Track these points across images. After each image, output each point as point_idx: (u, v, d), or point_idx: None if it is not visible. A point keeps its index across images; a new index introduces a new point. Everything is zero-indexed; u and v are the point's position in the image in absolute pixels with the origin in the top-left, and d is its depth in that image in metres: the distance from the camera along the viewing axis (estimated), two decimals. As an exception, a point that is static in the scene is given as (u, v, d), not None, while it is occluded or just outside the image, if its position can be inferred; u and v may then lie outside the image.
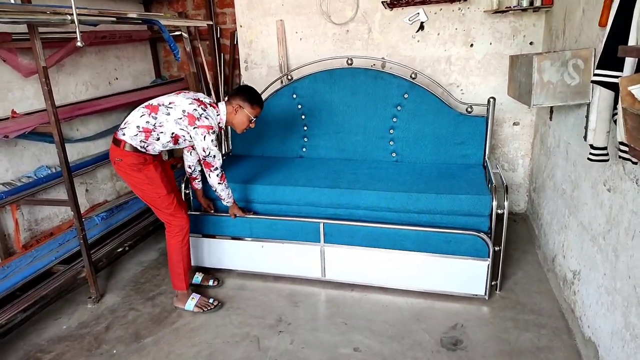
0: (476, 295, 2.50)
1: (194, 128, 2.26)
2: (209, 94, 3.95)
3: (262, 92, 3.38)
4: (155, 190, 2.35)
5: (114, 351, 2.24)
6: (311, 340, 2.27)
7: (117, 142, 2.28)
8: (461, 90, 3.45)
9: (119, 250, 2.93)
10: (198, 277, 2.79)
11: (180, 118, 2.27)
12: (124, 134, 2.26)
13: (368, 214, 2.65)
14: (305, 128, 3.31)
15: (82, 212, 3.15)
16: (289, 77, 3.34)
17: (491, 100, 2.92)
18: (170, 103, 2.30)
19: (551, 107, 2.83)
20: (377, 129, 3.18)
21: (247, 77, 3.85)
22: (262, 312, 2.50)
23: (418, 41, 3.42)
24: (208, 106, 2.34)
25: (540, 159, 3.15)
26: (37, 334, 2.38)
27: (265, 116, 3.35)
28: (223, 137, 3.43)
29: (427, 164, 3.08)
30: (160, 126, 2.27)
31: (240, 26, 3.74)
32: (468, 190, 2.54)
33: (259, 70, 3.80)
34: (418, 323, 2.37)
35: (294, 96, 3.28)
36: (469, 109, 3.04)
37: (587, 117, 2.15)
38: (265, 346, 2.24)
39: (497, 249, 2.55)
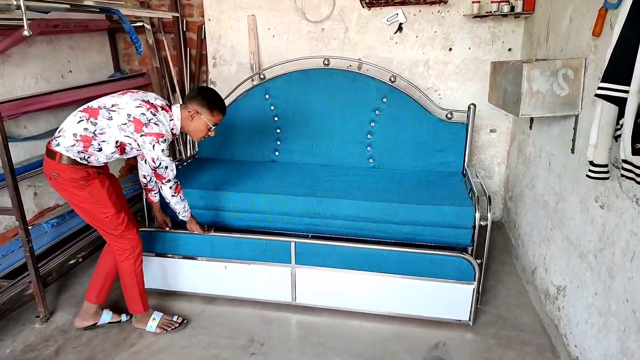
0: (460, 320, 2.33)
1: (141, 135, 1.94)
2: (173, 92, 3.70)
3: (232, 92, 3.20)
4: (102, 210, 2.03)
5: (63, 380, 2.00)
6: (286, 363, 2.10)
7: (51, 153, 1.93)
8: (439, 95, 3.36)
9: (71, 262, 2.66)
10: (107, 314, 2.32)
11: (125, 124, 1.93)
12: (58, 144, 1.91)
13: (346, 224, 2.51)
14: (278, 131, 3.13)
15: (29, 218, 2.86)
16: (262, 76, 3.15)
17: (471, 106, 2.85)
18: (113, 105, 1.95)
19: (531, 117, 2.77)
20: (354, 134, 3.04)
21: (216, 74, 3.62)
22: (232, 332, 2.31)
23: (396, 43, 3.30)
24: (159, 110, 2.00)
25: (518, 168, 3.11)
26: (-26, 361, 2.09)
27: (235, 117, 3.15)
28: (187, 138, 3.20)
29: (405, 170, 2.98)
30: (102, 133, 1.92)
31: (209, 20, 3.50)
32: (451, 200, 2.44)
33: (228, 67, 3.58)
34: (399, 343, 2.24)
35: (267, 97, 3.10)
36: (449, 115, 2.95)
37: (574, 129, 2.10)
38: (237, 371, 2.05)
39: (479, 261, 2.47)
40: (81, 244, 2.76)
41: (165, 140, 1.98)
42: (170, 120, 2.07)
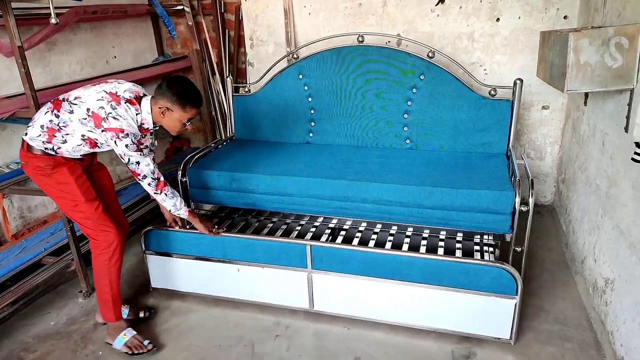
0: (499, 338, 2.02)
1: (102, 131, 1.83)
2: (213, 74, 3.73)
3: (266, 73, 3.16)
4: (71, 198, 1.94)
5: (100, 352, 2.11)
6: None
7: (22, 142, 1.92)
8: (484, 70, 3.14)
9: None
10: (125, 311, 2.25)
11: (85, 118, 1.84)
12: (26, 134, 1.90)
13: (376, 208, 2.42)
14: (312, 112, 3.07)
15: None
16: (295, 56, 3.08)
17: (518, 82, 2.62)
18: (75, 98, 1.86)
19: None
20: (390, 114, 2.91)
21: (253, 55, 3.60)
22: (238, 337, 2.17)
23: (437, 15, 3.10)
24: (122, 103, 1.85)
25: (572, 148, 2.84)
26: (24, 330, 2.26)
27: (270, 98, 3.13)
28: (222, 118, 3.22)
29: (444, 152, 2.82)
30: (65, 126, 1.86)
31: (245, 0, 3.47)
32: (488, 184, 2.27)
33: (265, 47, 3.55)
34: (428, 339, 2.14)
35: (300, 77, 3.03)
36: (492, 92, 2.74)
37: (629, 105, 1.87)
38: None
39: (518, 249, 2.30)
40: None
41: (127, 134, 1.84)
42: (137, 113, 1.90)
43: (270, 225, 2.66)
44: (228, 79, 3.20)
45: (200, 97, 1.99)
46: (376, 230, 2.52)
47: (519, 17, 2.97)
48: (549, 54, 2.20)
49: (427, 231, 2.35)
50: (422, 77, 2.81)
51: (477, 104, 2.74)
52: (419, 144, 2.89)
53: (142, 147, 1.93)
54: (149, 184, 1.99)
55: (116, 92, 1.88)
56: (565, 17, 2.89)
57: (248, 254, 2.26)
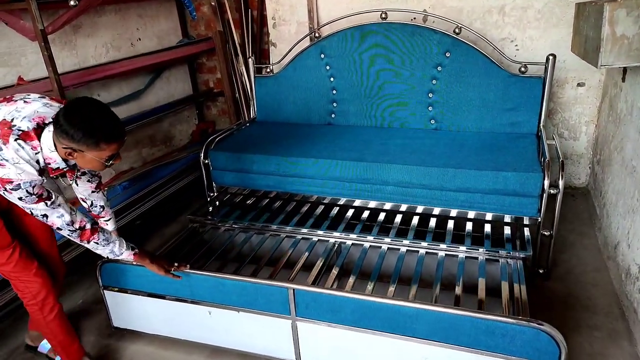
0: None
1: None
2: (236, 55, 3.71)
3: (288, 53, 3.10)
4: None
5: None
6: None
7: None
8: (516, 46, 2.98)
9: (137, 222, 2.85)
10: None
11: None
12: None
13: (397, 191, 2.37)
14: (334, 92, 3.01)
15: (107, 180, 3.10)
16: (317, 35, 3.02)
17: (550, 57, 2.48)
18: None
19: (625, 67, 2.35)
20: (414, 93, 2.82)
21: (276, 35, 3.56)
22: None
23: (466, -12, 2.96)
24: (10, 141, 1.39)
25: (608, 127, 2.69)
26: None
27: (292, 79, 3.09)
28: (246, 100, 3.19)
29: (470, 132, 2.72)
30: None
31: (267, -22, 3.41)
32: (515, 166, 2.18)
33: (287, 27, 3.49)
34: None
35: (322, 56, 2.97)
36: (523, 69, 2.60)
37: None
38: None
39: (547, 233, 2.21)
40: (148, 205, 2.94)
41: (18, 186, 1.40)
42: (36, 152, 1.43)
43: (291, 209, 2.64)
44: (250, 60, 3.17)
45: (117, 125, 1.47)
46: (397, 216, 2.46)
47: (554, -12, 2.79)
48: (583, 27, 2.07)
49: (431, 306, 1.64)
50: (447, 54, 2.70)
51: (506, 81, 2.61)
52: (444, 124, 2.80)
53: (50, 194, 1.50)
54: (69, 235, 1.59)
55: (11, 121, 1.41)
56: (604, -13, 2.70)
57: (219, 295, 1.88)
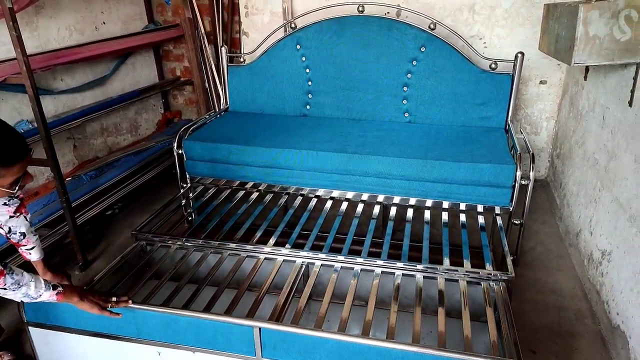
0: None
1: None
2: (209, 43, 3.62)
3: (262, 43, 3.06)
4: None
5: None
6: None
7: None
8: (484, 43, 3.11)
9: (108, 212, 2.74)
10: None
11: None
12: None
13: (377, 182, 2.42)
14: (309, 83, 3.01)
15: (70, 170, 2.96)
16: (293, 26, 3.01)
17: (519, 55, 2.60)
18: None
19: (587, 66, 2.51)
20: (389, 86, 2.87)
21: (248, 24, 3.51)
22: None
23: (439, -14, 3.04)
24: None
25: (568, 123, 2.87)
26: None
27: (266, 69, 3.06)
28: (215, 89, 3.13)
29: (443, 126, 2.81)
30: None
31: (240, -35, 3.36)
32: (490, 158, 2.29)
33: (260, 16, 3.45)
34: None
35: (298, 47, 2.96)
36: (493, 66, 2.72)
37: (634, 79, 1.87)
38: None
39: (517, 222, 2.34)
40: (118, 195, 2.84)
41: None
42: None
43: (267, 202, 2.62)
44: (222, 48, 3.11)
45: (15, 141, 1.22)
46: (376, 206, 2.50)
47: (521, -11, 2.93)
48: (554, 27, 2.19)
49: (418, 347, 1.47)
50: (422, 49, 2.77)
51: (478, 77, 2.72)
52: (418, 118, 2.88)
53: None
54: (5, 204, 1.39)
55: None
56: (566, -9, 2.87)
57: (171, 334, 1.64)
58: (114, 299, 1.56)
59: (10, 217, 1.49)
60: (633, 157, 1.83)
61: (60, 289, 1.44)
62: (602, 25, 1.80)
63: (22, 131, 2.57)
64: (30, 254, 1.60)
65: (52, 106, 2.86)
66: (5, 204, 1.47)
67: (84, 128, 3.17)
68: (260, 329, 1.53)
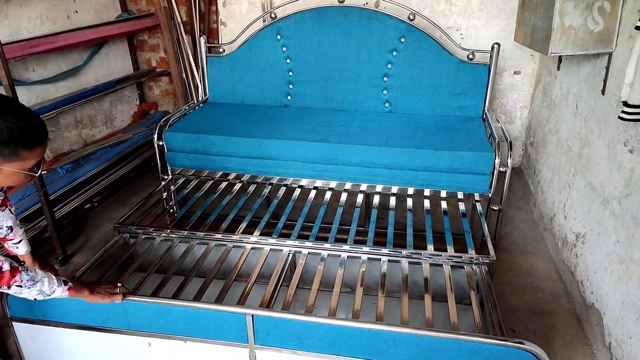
0: None
1: None
2: (186, 33, 3.56)
3: (242, 33, 3.04)
4: None
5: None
6: None
7: None
8: (461, 34, 3.18)
9: (86, 205, 2.69)
10: None
11: None
12: None
13: (360, 171, 2.45)
14: (290, 74, 3.01)
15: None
16: (273, 16, 2.99)
17: (495, 46, 2.67)
18: None
19: (560, 56, 2.60)
20: (370, 76, 2.90)
21: (226, 14, 3.47)
22: None
23: (416, -23, 3.08)
24: None
25: (542, 112, 2.97)
26: (-2, 299, 2.15)
27: (246, 60, 3.04)
28: (193, 80, 3.09)
29: (423, 115, 2.86)
30: None
31: (217, -46, 3.31)
32: (470, 146, 2.35)
33: (238, 6, 3.42)
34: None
35: (278, 37, 2.96)
36: (471, 56, 2.78)
37: (607, 68, 1.96)
38: None
39: (495, 208, 2.42)
40: (96, 189, 2.78)
41: None
42: None
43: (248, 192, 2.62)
44: (201, 38, 3.07)
45: (36, 124, 1.20)
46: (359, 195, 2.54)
47: (496, -19, 3.00)
48: (530, 18, 2.26)
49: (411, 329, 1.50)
50: (402, 39, 2.81)
51: (456, 67, 2.78)
52: (398, 107, 2.92)
53: None
54: None
55: None
56: (539, -17, 2.95)
57: (162, 324, 1.63)
58: (119, 284, 1.58)
59: None
60: (606, 143, 1.91)
61: (70, 284, 1.43)
62: (577, 16, 1.87)
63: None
64: (17, 247, 1.56)
65: (25, 97, 2.76)
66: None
67: (57, 120, 3.08)
68: (252, 316, 1.53)
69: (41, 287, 1.35)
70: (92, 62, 3.34)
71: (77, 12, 3.18)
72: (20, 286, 1.31)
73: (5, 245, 1.56)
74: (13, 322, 1.72)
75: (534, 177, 3.00)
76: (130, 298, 1.59)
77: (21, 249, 1.57)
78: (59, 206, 2.52)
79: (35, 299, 1.39)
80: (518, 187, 3.24)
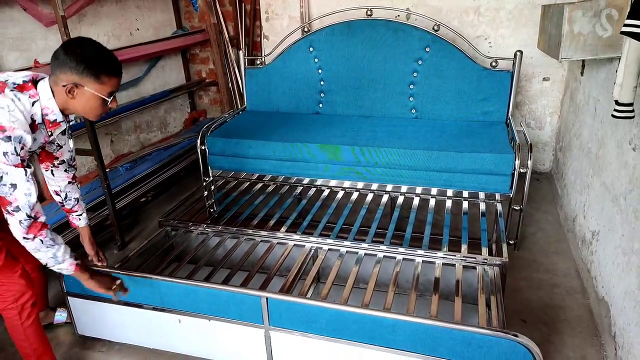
0: None
1: None
2: (232, 46, 3.89)
3: (278, 45, 3.31)
4: None
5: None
6: None
7: None
8: (489, 43, 3.30)
9: (142, 199, 3.03)
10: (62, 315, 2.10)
11: None
12: None
13: (387, 172, 2.62)
14: (321, 83, 3.25)
15: (107, 162, 3.26)
16: (306, 29, 3.25)
17: (518, 53, 2.79)
18: None
19: (583, 62, 2.68)
20: (396, 84, 3.09)
21: (268, 28, 3.77)
22: None
23: (445, -10, 3.25)
24: (6, 91, 1.37)
25: (569, 117, 3.03)
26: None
27: (282, 70, 3.30)
28: (239, 90, 3.35)
29: (447, 121, 3.01)
30: None
31: (261, -25, 3.63)
32: (490, 148, 2.48)
33: (279, 21, 3.71)
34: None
35: (311, 49, 3.21)
36: (494, 63, 2.91)
37: (617, 71, 2.04)
38: None
39: (517, 208, 2.51)
40: (150, 185, 3.13)
41: (9, 137, 1.34)
42: (35, 101, 1.41)
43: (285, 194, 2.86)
44: (240, 52, 3.36)
45: (116, 61, 1.45)
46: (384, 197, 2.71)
47: (523, -8, 3.12)
48: (548, 26, 2.37)
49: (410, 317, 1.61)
50: (427, 49, 2.98)
51: (479, 75, 2.91)
52: (424, 114, 3.08)
53: (31, 166, 1.44)
54: (20, 223, 1.42)
55: (5, 81, 1.40)
56: (566, -8, 3.04)
57: (190, 303, 1.85)
58: (118, 281, 1.79)
59: (69, 183, 1.74)
60: (616, 143, 2.00)
61: (78, 262, 1.60)
62: (586, 23, 1.98)
63: (72, 122, 2.88)
64: (79, 219, 1.84)
65: (92, 105, 3.17)
66: (66, 170, 1.71)
67: (119, 125, 3.48)
68: (267, 299, 1.72)
69: (56, 252, 1.51)
70: (150, 74, 3.74)
71: (138, 29, 3.60)
72: (42, 242, 1.46)
73: (70, 217, 1.84)
74: (68, 297, 2.01)
75: (562, 181, 3.05)
76: (164, 279, 1.83)
77: (82, 221, 1.85)
78: (119, 199, 2.87)
79: (46, 264, 1.54)
80: (547, 191, 3.29)
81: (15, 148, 1.34)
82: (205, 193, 2.87)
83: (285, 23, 3.70)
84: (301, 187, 2.83)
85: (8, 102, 1.35)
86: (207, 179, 2.98)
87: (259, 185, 2.90)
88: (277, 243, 2.28)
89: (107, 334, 2.07)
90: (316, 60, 3.21)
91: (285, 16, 3.68)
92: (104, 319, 2.02)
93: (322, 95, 3.27)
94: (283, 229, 2.36)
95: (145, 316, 1.93)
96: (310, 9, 3.57)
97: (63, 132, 1.64)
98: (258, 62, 3.42)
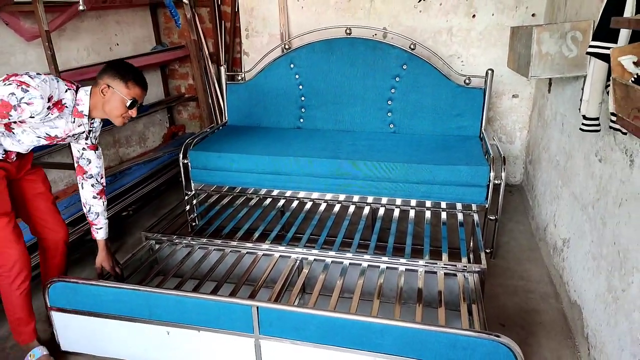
0: None
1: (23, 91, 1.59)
2: (210, 62, 3.94)
3: (259, 61, 3.39)
4: None
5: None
6: None
7: None
8: (461, 61, 3.46)
9: (123, 213, 3.00)
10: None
11: None
12: None
13: (366, 184, 2.70)
14: (302, 98, 3.33)
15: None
16: (287, 47, 3.33)
17: (489, 72, 2.94)
18: None
19: (550, 80, 2.86)
20: (375, 100, 3.20)
21: (248, 45, 3.84)
22: None
23: (420, 11, 3.41)
24: (49, 77, 1.69)
25: (537, 132, 3.20)
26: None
27: (262, 86, 3.36)
28: (218, 105, 3.40)
29: (424, 135, 3.13)
30: None
31: (241, -7, 3.70)
32: (466, 161, 2.59)
33: (260, 38, 3.79)
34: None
35: (292, 66, 3.29)
36: (467, 81, 3.06)
37: (582, 89, 2.20)
38: None
39: (492, 217, 2.62)
40: (131, 199, 3.10)
41: (25, 90, 1.58)
42: (68, 89, 1.76)
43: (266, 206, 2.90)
44: (222, 68, 3.42)
45: (143, 79, 1.84)
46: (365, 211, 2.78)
47: (493, 14, 3.30)
48: (517, 46, 2.53)
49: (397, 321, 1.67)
50: (404, 67, 3.11)
51: (454, 91, 3.05)
52: (402, 128, 3.20)
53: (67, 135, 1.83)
54: (92, 185, 2.00)
55: (22, 81, 1.62)
56: (533, 15, 3.24)
57: (179, 314, 1.85)
58: (117, 270, 2.14)
59: (94, 197, 2.02)
60: (583, 155, 2.14)
61: (105, 236, 2.09)
62: (553, 44, 2.13)
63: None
64: (97, 232, 2.11)
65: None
66: (92, 185, 2.02)
67: (99, 139, 3.44)
68: (257, 307, 1.74)
69: (105, 212, 2.09)
70: (128, 89, 3.73)
71: (117, 44, 3.60)
72: (102, 205, 2.05)
73: (92, 228, 2.12)
74: (52, 311, 1.97)
75: (532, 192, 3.20)
76: (153, 290, 1.85)
77: (100, 234, 2.12)
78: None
79: (100, 228, 2.09)
80: (519, 202, 3.44)
81: (20, 99, 1.57)
82: (188, 207, 2.88)
83: (265, 40, 3.77)
84: (284, 200, 2.87)
85: (45, 77, 1.66)
86: (189, 193, 2.99)
87: (242, 198, 2.93)
88: (263, 255, 2.31)
89: (92, 349, 2.03)
90: (297, 76, 3.29)
91: (265, 34, 3.76)
92: (90, 333, 1.98)
93: (302, 110, 3.34)
94: (268, 241, 2.39)
95: (133, 328, 1.92)
96: (290, 27, 3.66)
97: (85, 137, 1.96)
98: (239, 77, 3.48)
